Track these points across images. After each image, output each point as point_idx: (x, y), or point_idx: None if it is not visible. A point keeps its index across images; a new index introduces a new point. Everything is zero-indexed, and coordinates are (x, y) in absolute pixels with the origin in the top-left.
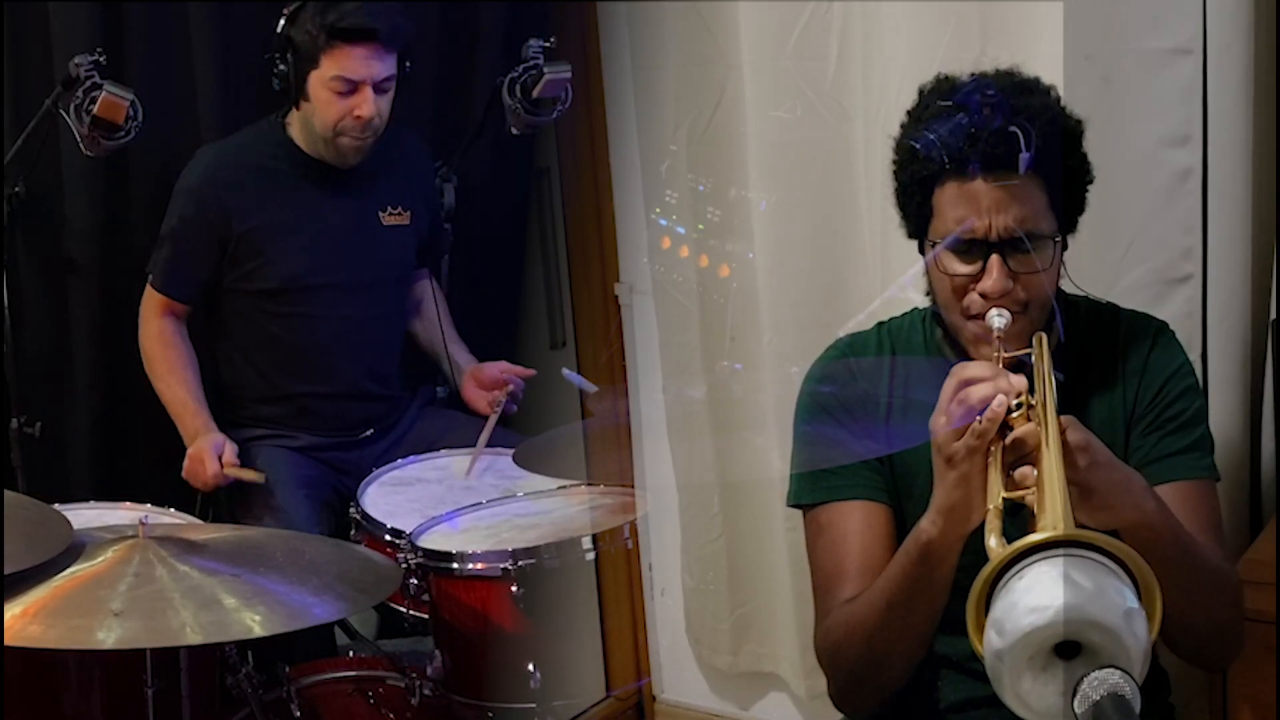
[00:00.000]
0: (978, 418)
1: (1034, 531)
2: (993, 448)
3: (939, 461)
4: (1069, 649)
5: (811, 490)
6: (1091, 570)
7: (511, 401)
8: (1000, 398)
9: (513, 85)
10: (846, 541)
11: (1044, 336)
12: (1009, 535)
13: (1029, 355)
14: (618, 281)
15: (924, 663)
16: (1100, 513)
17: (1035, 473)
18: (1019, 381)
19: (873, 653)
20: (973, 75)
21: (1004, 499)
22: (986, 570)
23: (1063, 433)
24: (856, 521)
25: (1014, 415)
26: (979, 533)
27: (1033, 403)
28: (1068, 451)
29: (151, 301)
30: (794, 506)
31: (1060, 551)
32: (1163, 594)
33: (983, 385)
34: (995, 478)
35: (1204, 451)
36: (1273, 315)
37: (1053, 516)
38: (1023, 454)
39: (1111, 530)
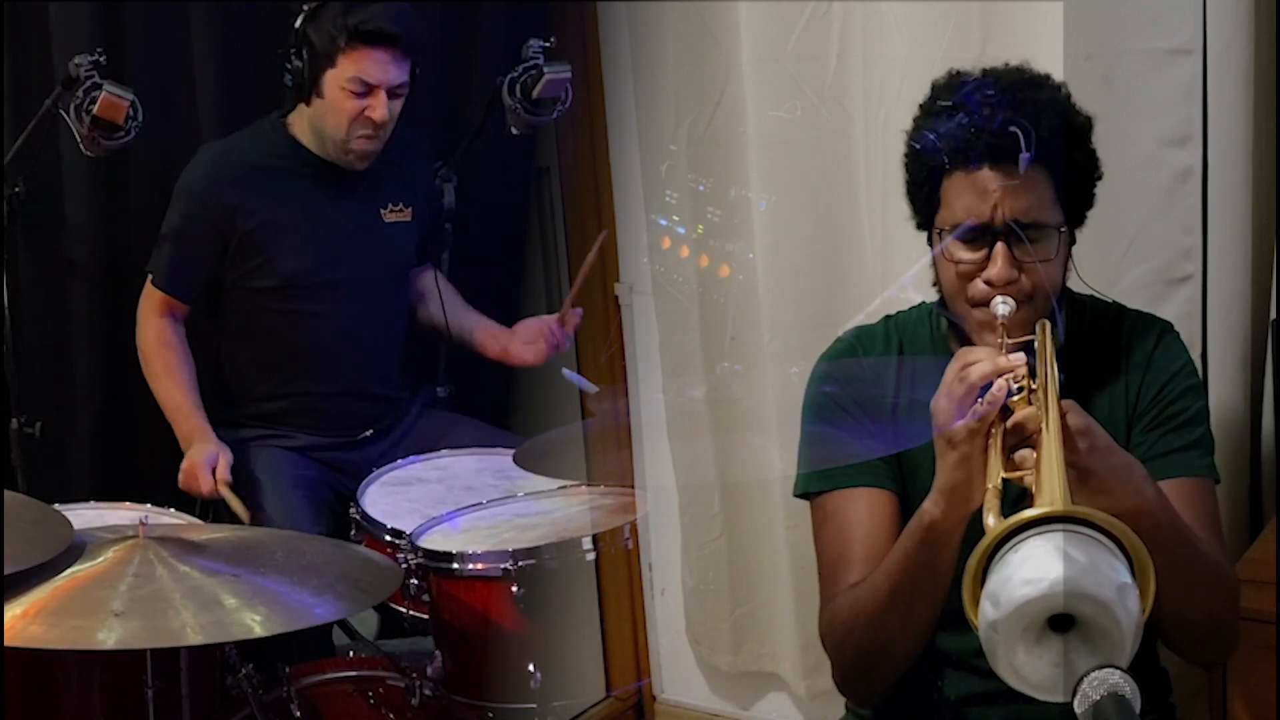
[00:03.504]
0: (979, 399)
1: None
2: (993, 430)
3: (940, 443)
4: (1063, 622)
5: (818, 479)
6: (1086, 545)
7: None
8: (1000, 380)
9: (513, 85)
10: (851, 528)
11: (1047, 323)
12: (1008, 517)
13: (1033, 343)
14: (618, 281)
15: (926, 659)
16: (1099, 497)
17: (1035, 455)
18: (1017, 358)
19: (876, 638)
20: (982, 71)
21: (1003, 479)
22: (983, 544)
23: (1063, 417)
24: (862, 508)
25: (1015, 399)
26: (981, 523)
27: (1034, 387)
28: (1068, 435)
29: (151, 300)
30: (800, 496)
31: (1056, 527)
32: (1160, 585)
33: (982, 364)
34: (995, 459)
35: (1204, 450)
36: (1273, 315)
37: (1050, 493)
38: (1023, 437)
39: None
